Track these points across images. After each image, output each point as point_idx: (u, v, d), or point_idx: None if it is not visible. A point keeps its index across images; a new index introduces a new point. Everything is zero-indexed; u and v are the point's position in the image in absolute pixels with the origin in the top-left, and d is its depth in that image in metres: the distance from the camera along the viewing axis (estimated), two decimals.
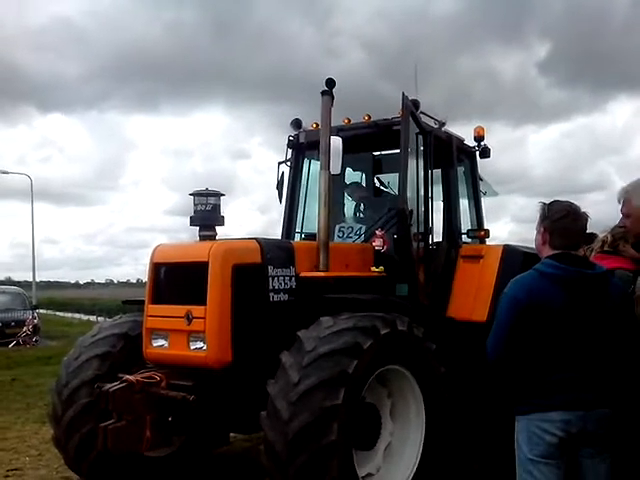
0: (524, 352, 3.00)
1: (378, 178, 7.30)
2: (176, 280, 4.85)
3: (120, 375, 4.69)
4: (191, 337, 4.58)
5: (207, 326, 4.49)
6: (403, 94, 5.67)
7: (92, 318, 37.65)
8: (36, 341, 21.02)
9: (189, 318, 4.56)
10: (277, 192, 6.96)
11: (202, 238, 4.86)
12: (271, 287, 4.84)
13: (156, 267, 4.93)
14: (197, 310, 4.54)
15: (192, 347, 4.58)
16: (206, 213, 4.82)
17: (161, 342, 4.78)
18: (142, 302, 5.66)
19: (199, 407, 4.28)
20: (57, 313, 45.27)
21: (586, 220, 3.15)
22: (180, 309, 4.63)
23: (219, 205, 4.87)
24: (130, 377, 4.43)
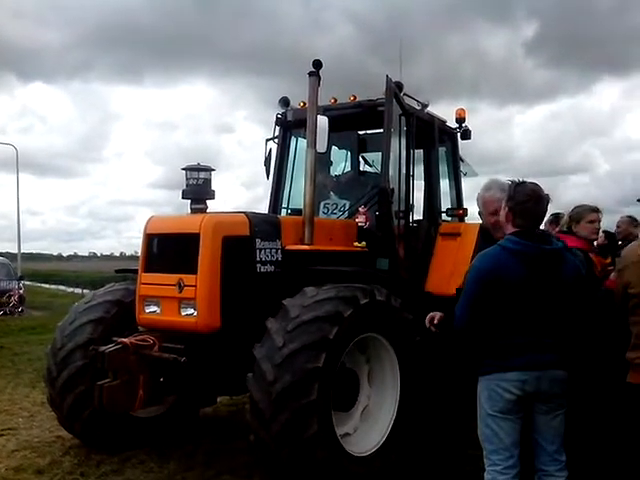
0: (486, 319, 3.30)
1: (362, 157, 7.55)
2: (168, 250, 5.11)
3: (114, 338, 4.97)
4: (182, 304, 4.85)
5: (197, 294, 4.76)
6: (387, 76, 5.91)
7: (76, 290, 37.71)
8: (21, 311, 21.21)
9: (180, 286, 4.83)
10: (265, 168, 7.19)
11: (193, 211, 5.11)
12: (258, 259, 5.11)
13: (149, 237, 5.18)
14: (188, 279, 4.81)
15: (183, 313, 4.85)
16: (197, 187, 5.06)
17: (153, 308, 5.05)
18: (134, 271, 5.93)
19: (189, 369, 4.56)
20: (41, 285, 45.23)
21: (547, 202, 3.43)
22: (172, 277, 4.90)
23: (210, 180, 5.11)
24: (124, 339, 4.70)
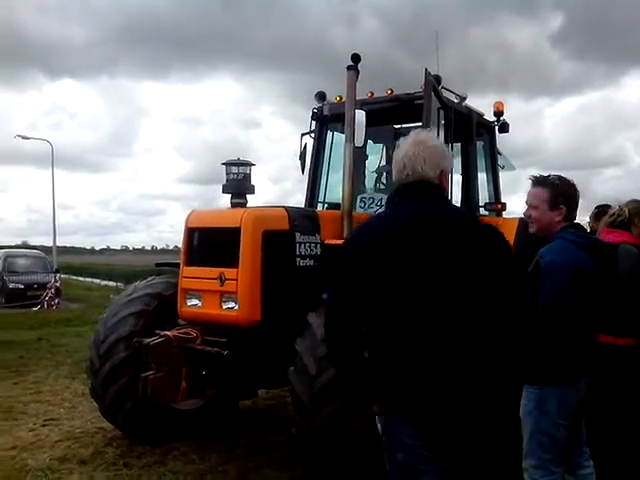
0: (569, 319, 3.12)
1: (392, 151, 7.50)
2: (209, 244, 5.16)
3: (157, 331, 5.03)
4: (223, 297, 4.89)
5: (239, 287, 4.80)
6: (426, 69, 5.86)
7: (110, 283, 38.22)
8: (58, 303, 21.56)
9: (222, 280, 4.87)
10: (300, 163, 7.19)
11: (234, 205, 5.15)
12: (298, 253, 5.13)
13: (190, 231, 5.24)
14: (230, 272, 4.85)
15: (224, 307, 4.90)
16: (238, 182, 5.10)
17: (195, 301, 5.11)
18: (173, 265, 6.01)
19: (231, 362, 4.60)
20: (75, 278, 45.90)
21: None
22: (213, 271, 4.94)
23: (249, 174, 5.15)
24: (168, 332, 4.77)
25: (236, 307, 4.82)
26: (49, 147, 30.75)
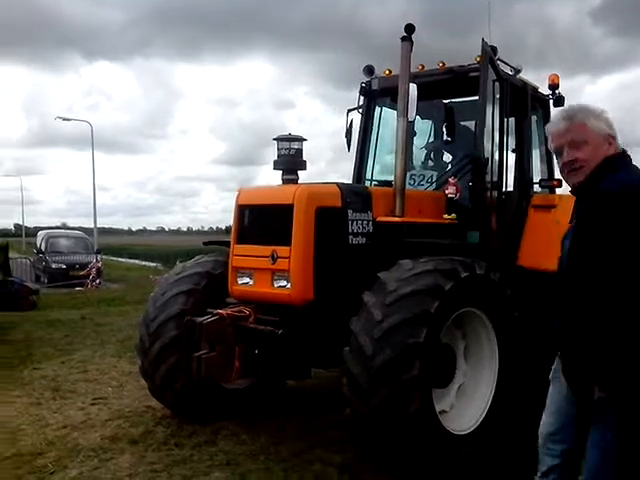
0: None
1: (446, 126, 7.29)
2: (261, 221, 5.05)
3: (209, 310, 4.96)
4: (275, 275, 4.79)
5: (291, 265, 4.69)
6: (483, 40, 5.64)
7: (148, 264, 38.74)
8: (99, 284, 21.87)
9: (274, 258, 4.76)
10: (346, 140, 7.03)
11: (285, 182, 5.03)
12: (350, 230, 5.00)
13: (241, 209, 5.13)
14: (282, 250, 4.74)
15: (276, 285, 4.80)
16: (289, 157, 4.96)
17: (246, 280, 5.02)
18: (222, 243, 5.94)
19: (285, 341, 4.51)
20: (114, 258, 46.64)
21: None
22: (265, 249, 4.84)
23: (301, 150, 5.01)
24: (221, 311, 4.68)
25: (288, 285, 4.72)
26: (86, 129, 31.31)
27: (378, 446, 4.32)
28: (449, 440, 4.39)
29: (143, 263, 40.83)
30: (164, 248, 55.23)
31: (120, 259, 47.21)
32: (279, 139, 4.99)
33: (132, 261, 44.40)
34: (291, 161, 4.97)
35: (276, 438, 5.24)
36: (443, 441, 4.31)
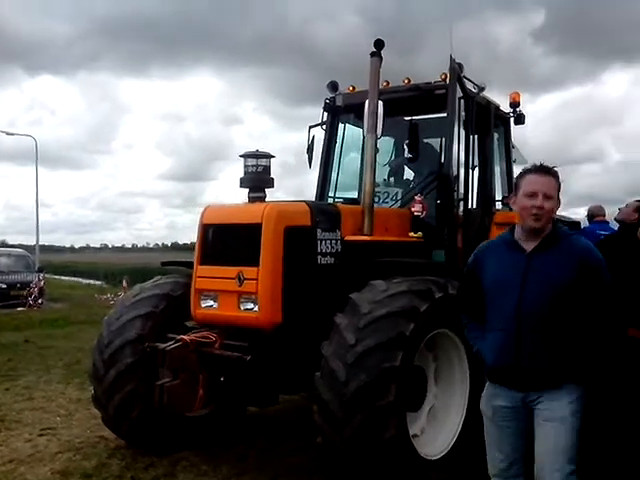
0: None
1: (407, 143, 7.22)
2: (227, 241, 4.81)
3: (170, 335, 4.70)
4: (242, 298, 4.56)
5: (259, 287, 4.47)
6: (451, 56, 5.58)
7: (92, 282, 37.71)
8: (41, 303, 21.02)
9: (241, 279, 4.54)
10: (307, 157, 6.87)
11: (252, 200, 4.82)
12: (319, 250, 4.83)
13: (205, 228, 4.89)
14: (249, 271, 4.52)
15: (243, 308, 4.57)
16: (256, 175, 4.78)
17: (210, 303, 4.78)
18: (182, 264, 5.68)
19: (253, 367, 4.28)
20: (56, 277, 45.17)
21: None
22: (231, 270, 4.61)
23: (269, 167, 4.82)
24: (184, 336, 4.43)
25: (256, 308, 4.50)
26: (29, 144, 30.13)
27: (350, 474, 4.12)
28: (422, 466, 4.24)
29: (87, 281, 39.69)
30: (109, 265, 53.88)
31: (63, 277, 45.78)
32: (246, 156, 4.80)
33: (76, 279, 43.10)
34: (258, 178, 4.78)
35: (238, 468, 4.99)
36: (417, 467, 4.15)
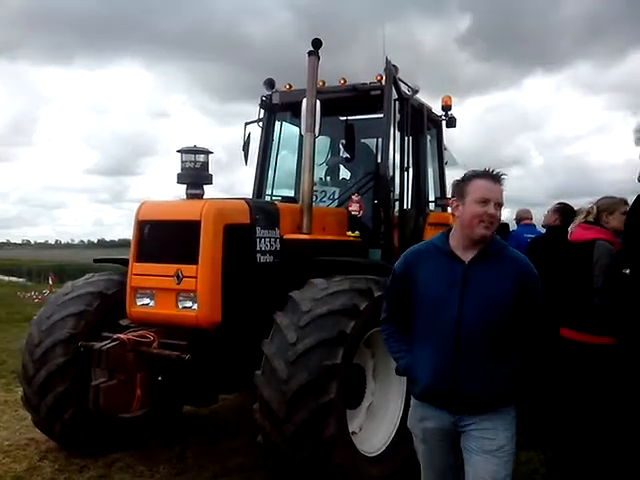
0: None
1: (342, 143, 7.30)
2: (164, 238, 4.72)
3: (105, 334, 4.60)
4: (180, 296, 4.50)
5: (199, 285, 4.42)
6: (387, 58, 5.69)
7: (14, 279, 36.20)
8: None
9: (179, 277, 4.48)
10: (243, 153, 6.86)
11: (189, 197, 4.76)
12: (258, 248, 4.82)
13: (141, 225, 4.79)
14: (188, 269, 4.47)
15: (181, 306, 4.51)
16: (194, 171, 4.71)
17: (146, 301, 4.69)
18: (115, 261, 5.55)
19: (192, 366, 4.24)
20: None
21: None
22: (169, 268, 4.55)
23: (207, 163, 4.77)
24: (121, 335, 4.33)
25: (195, 307, 4.45)
26: None
27: (291, 473, 4.14)
28: (361, 462, 4.30)
29: (7, 279, 37.99)
30: (31, 262, 51.94)
31: None
32: (183, 151, 4.73)
33: None
34: (196, 175, 4.71)
35: (177, 468, 4.95)
36: (356, 464, 4.21)
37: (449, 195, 7.24)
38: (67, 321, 4.99)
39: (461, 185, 2.85)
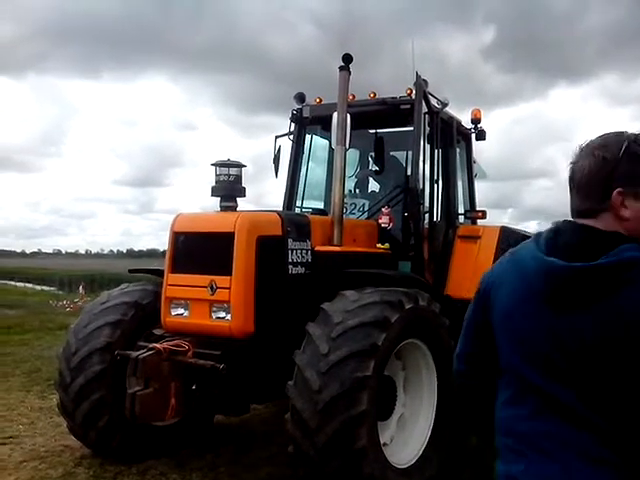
0: None
1: (371, 156, 7.37)
2: (199, 250, 4.83)
3: (141, 343, 4.70)
4: (214, 307, 4.60)
5: (232, 296, 4.52)
6: (417, 73, 5.74)
7: (45, 288, 36.81)
8: None
9: (213, 288, 4.57)
10: (274, 166, 6.95)
11: (223, 209, 4.86)
12: (290, 260, 4.89)
13: (176, 236, 4.90)
14: (222, 280, 4.56)
15: (215, 316, 4.61)
16: (228, 184, 4.81)
17: (181, 311, 4.79)
18: (149, 271, 5.67)
19: (226, 376, 4.31)
20: (7, 282, 43.95)
21: None
22: (203, 279, 4.64)
23: (241, 176, 4.87)
24: (157, 344, 4.43)
25: (228, 317, 4.54)
26: None
27: None
28: (391, 474, 4.33)
29: (40, 287, 38.64)
30: (62, 272, 52.76)
31: (13, 283, 44.47)
32: (217, 165, 4.84)
33: (29, 285, 41.91)
34: (230, 187, 4.82)
35: (209, 477, 5.00)
36: (387, 475, 4.24)
37: (479, 208, 7.35)
38: (103, 330, 5.10)
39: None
